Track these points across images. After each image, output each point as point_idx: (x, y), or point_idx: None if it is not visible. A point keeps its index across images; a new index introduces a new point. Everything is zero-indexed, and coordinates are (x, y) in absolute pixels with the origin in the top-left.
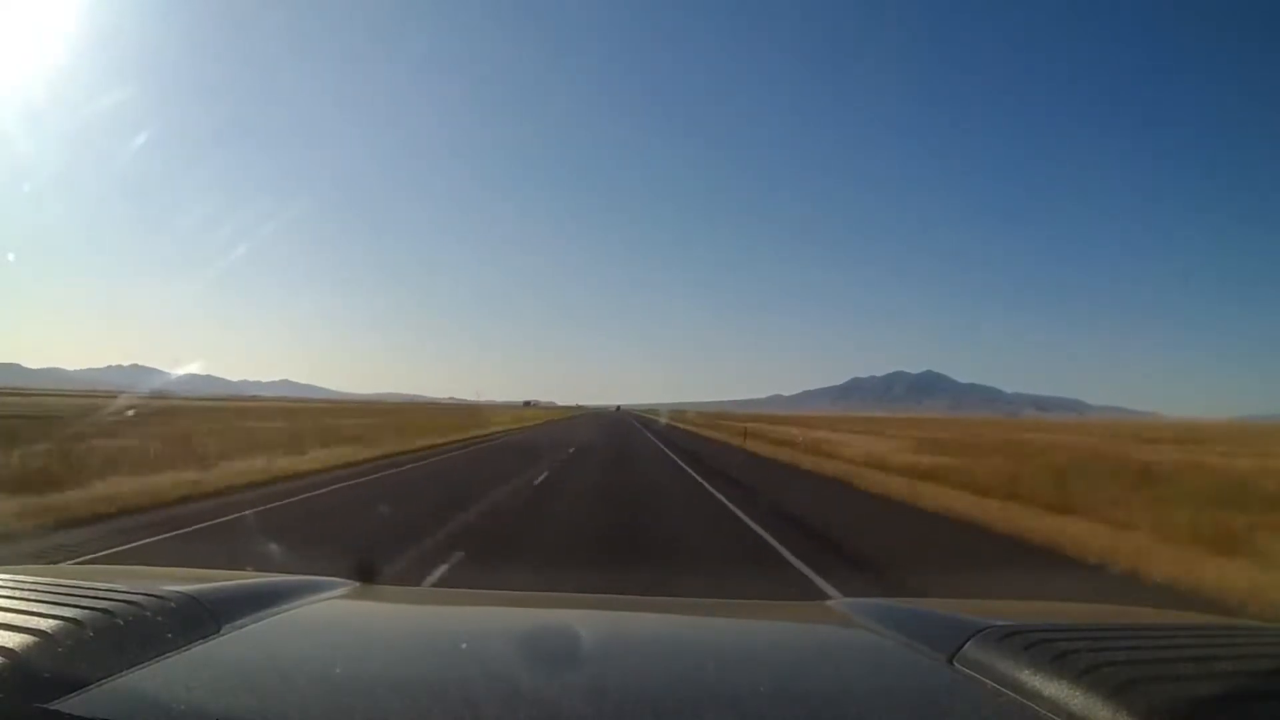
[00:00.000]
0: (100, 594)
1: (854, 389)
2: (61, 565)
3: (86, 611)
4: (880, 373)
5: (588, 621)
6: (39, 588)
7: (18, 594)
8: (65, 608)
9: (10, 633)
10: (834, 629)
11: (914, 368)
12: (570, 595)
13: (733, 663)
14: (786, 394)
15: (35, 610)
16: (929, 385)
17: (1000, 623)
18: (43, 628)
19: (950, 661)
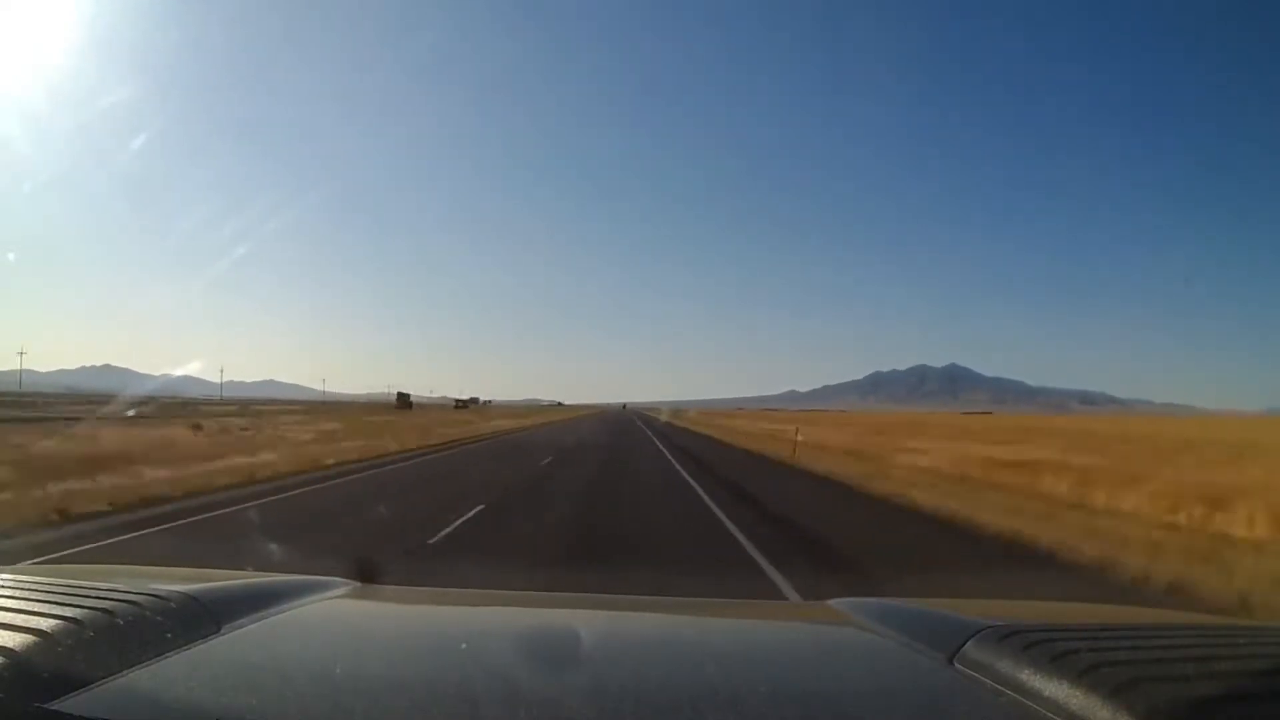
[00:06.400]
0: (100, 594)
1: (878, 384)
2: (61, 565)
3: (86, 611)
4: (902, 367)
5: (588, 621)
6: (39, 588)
7: (18, 594)
8: (65, 608)
9: (10, 633)
10: (834, 629)
11: (936, 361)
12: (570, 595)
13: (733, 663)
14: (802, 390)
15: (35, 610)
16: (957, 379)
17: (1000, 623)
18: (43, 628)
19: (950, 661)
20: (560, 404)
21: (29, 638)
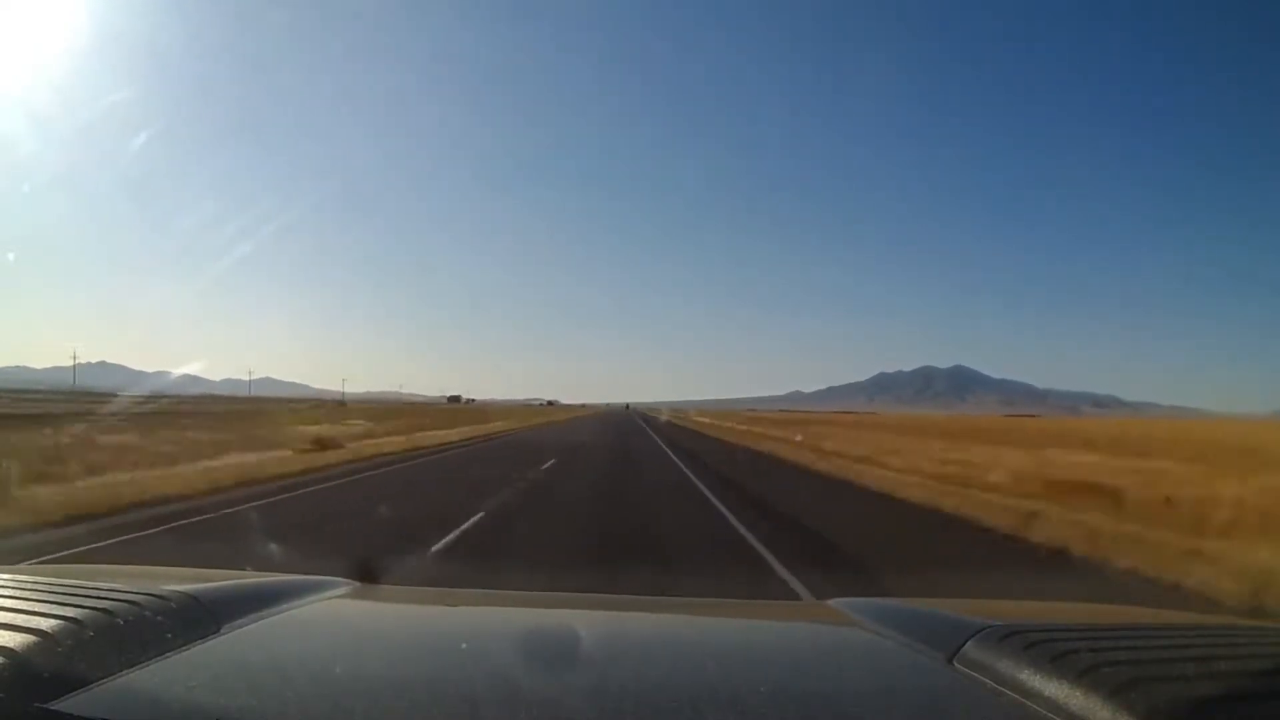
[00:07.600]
0: (100, 594)
1: (883, 385)
2: (62, 565)
3: (86, 611)
4: (907, 368)
5: (588, 621)
6: (39, 588)
7: (18, 594)
8: (65, 608)
9: (10, 633)
10: (834, 629)
11: (941, 363)
12: (570, 595)
13: (733, 663)
14: (806, 390)
15: (35, 610)
16: (964, 381)
17: (1000, 623)
18: (43, 628)
19: (950, 661)
20: (552, 403)
21: (29, 638)
